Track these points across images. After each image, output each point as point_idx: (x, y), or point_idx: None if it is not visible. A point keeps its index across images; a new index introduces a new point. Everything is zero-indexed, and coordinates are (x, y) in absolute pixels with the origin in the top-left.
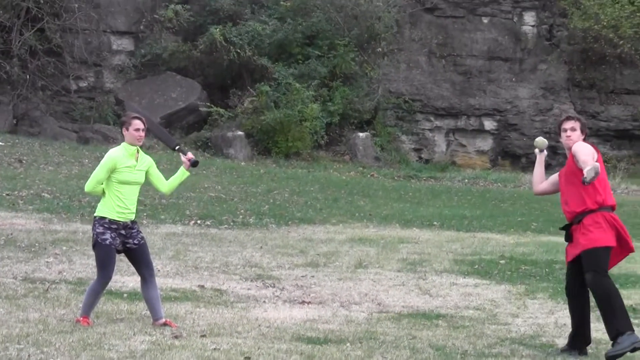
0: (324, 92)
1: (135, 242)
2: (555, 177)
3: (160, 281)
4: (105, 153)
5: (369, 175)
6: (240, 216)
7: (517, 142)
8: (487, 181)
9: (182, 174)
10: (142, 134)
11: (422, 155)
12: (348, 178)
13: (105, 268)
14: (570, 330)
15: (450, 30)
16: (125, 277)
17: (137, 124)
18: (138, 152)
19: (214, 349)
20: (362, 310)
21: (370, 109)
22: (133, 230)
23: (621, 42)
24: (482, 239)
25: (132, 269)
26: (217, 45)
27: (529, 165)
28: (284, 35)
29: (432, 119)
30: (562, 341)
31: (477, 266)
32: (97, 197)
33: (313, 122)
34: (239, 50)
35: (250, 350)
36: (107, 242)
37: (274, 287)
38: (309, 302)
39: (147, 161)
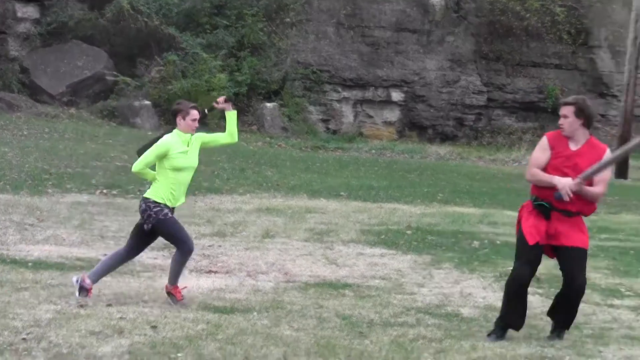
0: (231, 62)
1: None
2: None
3: (65, 250)
4: (9, 122)
5: (276, 146)
6: (147, 185)
7: (424, 114)
8: (394, 152)
9: (230, 116)
10: (197, 124)
11: (330, 126)
12: (255, 148)
13: (183, 239)
14: (499, 316)
15: (359, 1)
16: (30, 245)
17: (195, 114)
18: (190, 138)
19: (120, 317)
20: (269, 280)
21: (278, 80)
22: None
23: (528, 15)
24: (389, 210)
25: (37, 237)
26: (124, 14)
27: (436, 137)
28: (192, 4)
29: (339, 89)
30: (467, 310)
31: (383, 236)
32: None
33: (220, 92)
34: (146, 19)
35: (157, 319)
36: (169, 215)
37: None
38: (215, 272)
39: (197, 141)
